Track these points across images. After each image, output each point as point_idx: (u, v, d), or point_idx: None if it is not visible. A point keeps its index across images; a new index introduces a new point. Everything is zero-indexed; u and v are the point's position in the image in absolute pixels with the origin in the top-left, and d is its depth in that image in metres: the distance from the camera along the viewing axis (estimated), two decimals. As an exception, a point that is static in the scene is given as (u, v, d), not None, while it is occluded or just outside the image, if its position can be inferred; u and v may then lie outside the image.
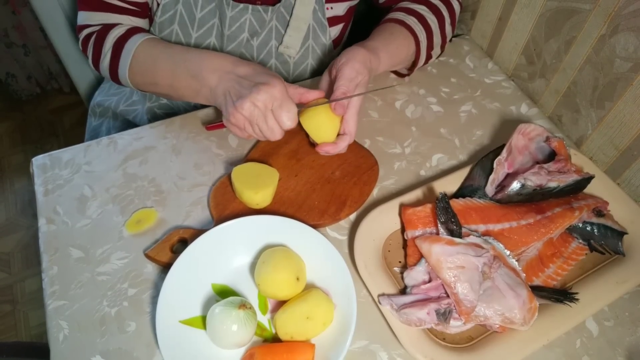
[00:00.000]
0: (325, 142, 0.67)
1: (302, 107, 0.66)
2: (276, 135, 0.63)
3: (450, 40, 0.84)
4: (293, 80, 0.86)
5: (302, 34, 0.78)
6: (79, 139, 0.81)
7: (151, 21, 0.78)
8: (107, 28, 0.74)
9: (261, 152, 0.72)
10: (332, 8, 0.79)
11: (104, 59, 0.74)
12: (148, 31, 0.77)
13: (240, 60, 0.66)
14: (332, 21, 0.81)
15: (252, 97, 0.60)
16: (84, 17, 0.75)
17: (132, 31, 0.73)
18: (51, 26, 0.96)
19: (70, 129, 1.98)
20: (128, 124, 0.93)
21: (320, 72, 0.85)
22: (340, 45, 0.86)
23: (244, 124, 0.63)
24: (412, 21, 0.76)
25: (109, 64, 0.74)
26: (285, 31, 0.78)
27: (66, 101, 2.07)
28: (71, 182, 0.70)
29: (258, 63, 0.73)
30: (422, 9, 0.78)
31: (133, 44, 0.71)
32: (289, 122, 0.62)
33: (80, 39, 0.77)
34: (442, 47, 0.82)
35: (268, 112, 0.62)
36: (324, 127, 0.67)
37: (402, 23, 0.75)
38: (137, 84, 0.74)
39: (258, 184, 0.64)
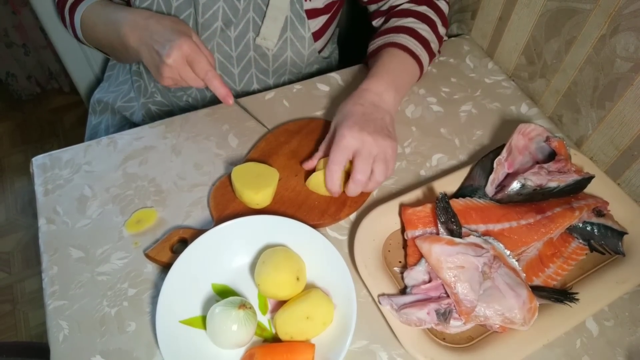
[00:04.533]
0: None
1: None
2: (199, 84, 0.69)
3: (445, 40, 0.84)
4: (273, 72, 0.85)
5: (279, 24, 0.78)
6: (79, 139, 0.81)
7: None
8: None
9: (261, 152, 0.72)
10: (310, 0, 0.79)
11: (66, 19, 0.80)
12: None
13: (152, 15, 0.70)
14: (311, 14, 0.80)
15: (166, 60, 0.65)
16: None
17: None
18: (51, 26, 0.96)
19: (70, 129, 1.98)
20: (126, 121, 0.94)
21: (300, 64, 0.85)
22: (321, 39, 0.85)
23: (172, 81, 0.69)
24: (403, 39, 0.75)
25: (70, 24, 0.79)
26: (262, 22, 0.78)
27: (66, 101, 2.07)
28: (71, 182, 0.70)
29: (172, 16, 0.74)
30: (410, 21, 0.77)
31: (83, 6, 0.76)
32: (202, 72, 0.67)
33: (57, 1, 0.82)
34: (439, 50, 0.82)
35: (185, 66, 0.67)
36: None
37: (393, 45, 0.75)
38: (92, 44, 0.80)
39: (258, 184, 0.64)
